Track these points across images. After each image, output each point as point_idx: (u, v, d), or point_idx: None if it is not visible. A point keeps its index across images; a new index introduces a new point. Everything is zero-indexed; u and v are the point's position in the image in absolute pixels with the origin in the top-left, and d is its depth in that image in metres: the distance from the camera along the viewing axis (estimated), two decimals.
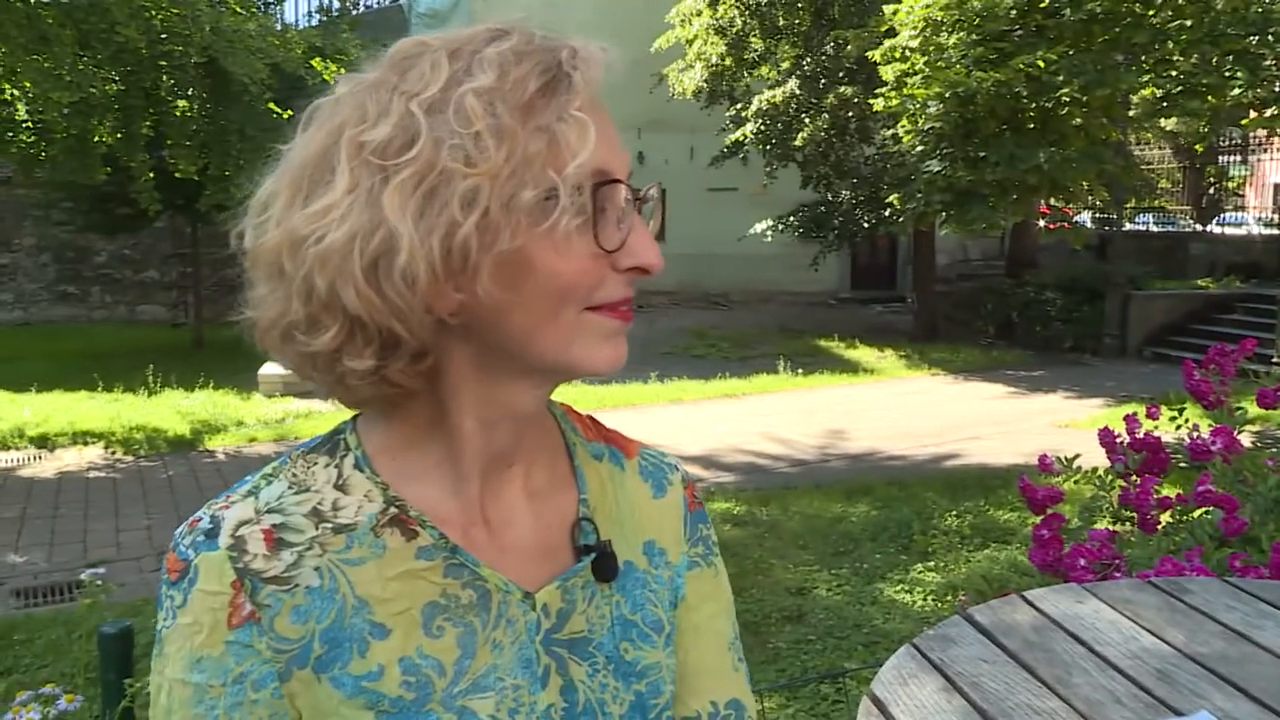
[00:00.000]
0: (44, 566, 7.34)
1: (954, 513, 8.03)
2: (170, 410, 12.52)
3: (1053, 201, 15.92)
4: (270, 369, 14.27)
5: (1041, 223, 16.78)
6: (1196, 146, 19.16)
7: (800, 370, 15.35)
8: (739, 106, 18.86)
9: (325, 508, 0.91)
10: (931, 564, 6.90)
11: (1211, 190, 25.31)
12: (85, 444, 11.12)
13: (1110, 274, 17.41)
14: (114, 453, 10.84)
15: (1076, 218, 21.27)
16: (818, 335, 19.11)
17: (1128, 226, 21.48)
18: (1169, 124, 17.93)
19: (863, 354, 17.34)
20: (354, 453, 0.93)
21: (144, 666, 1.93)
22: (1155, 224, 24.45)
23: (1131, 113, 14.94)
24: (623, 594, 1.00)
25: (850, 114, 17.28)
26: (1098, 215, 23.06)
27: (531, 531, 0.97)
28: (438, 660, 0.90)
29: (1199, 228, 22.80)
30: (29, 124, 14.23)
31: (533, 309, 0.86)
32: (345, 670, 0.88)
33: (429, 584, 0.91)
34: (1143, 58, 13.33)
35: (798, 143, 17.59)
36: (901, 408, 13.08)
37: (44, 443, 11.15)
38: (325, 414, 11.87)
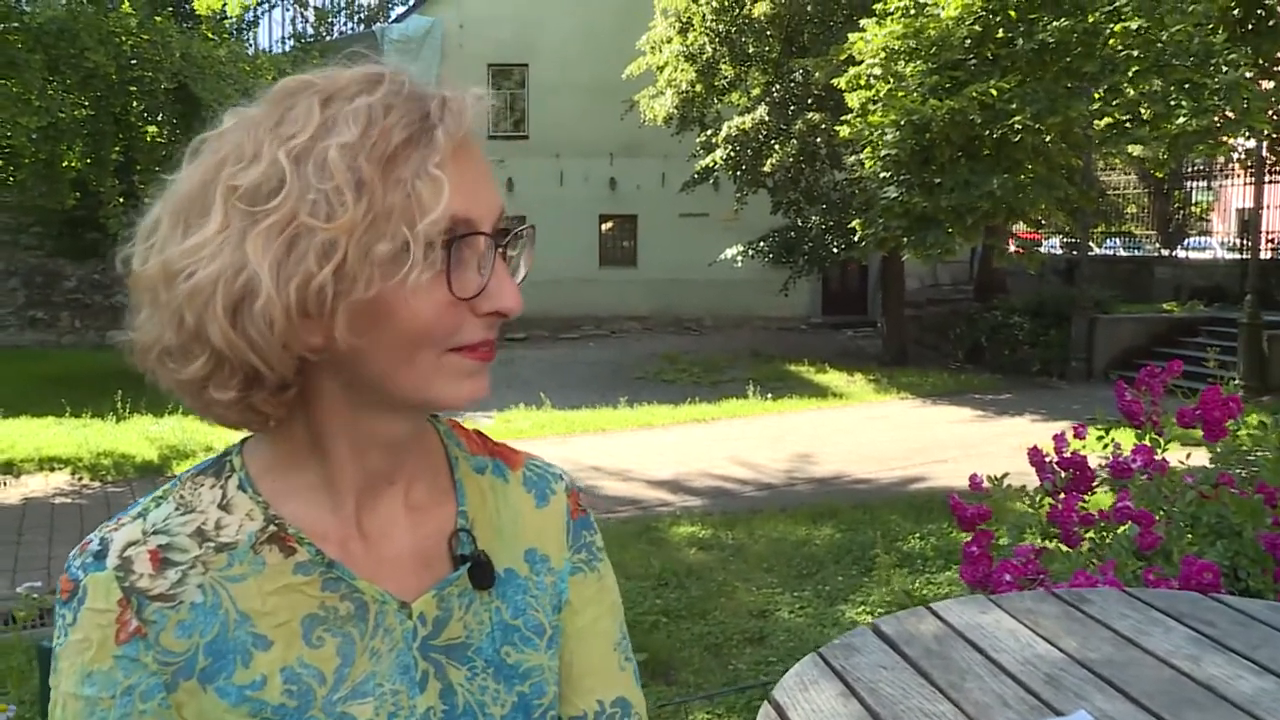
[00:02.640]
0: (5, 593, 7.31)
1: (917, 535, 8.10)
2: (139, 436, 12.47)
3: (1017, 226, 16.12)
4: None
5: (1010, 248, 16.93)
6: (1156, 173, 19.40)
7: (770, 395, 15.44)
8: (709, 133, 18.99)
9: (209, 527, 0.96)
10: (893, 586, 6.95)
11: (1177, 215, 25.60)
12: (52, 470, 11.06)
13: (1077, 298, 17.59)
14: (81, 478, 10.80)
15: (1044, 243, 21.52)
16: (788, 360, 19.22)
17: (1095, 251, 21.71)
18: (1134, 150, 18.19)
19: (832, 378, 17.44)
20: (238, 474, 0.99)
21: None
22: (1123, 249, 24.72)
23: (1095, 139, 15.16)
24: (503, 600, 1.05)
25: (819, 140, 17.43)
26: (1066, 240, 23.31)
27: (410, 543, 1.02)
28: (318, 669, 0.95)
29: (1165, 252, 23.05)
30: None
31: (390, 352, 0.90)
32: (230, 680, 0.93)
33: (307, 597, 0.96)
34: (1093, 87, 13.57)
35: (767, 169, 17.73)
36: (869, 432, 13.16)
37: (9, 468, 11.07)
38: None
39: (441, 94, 0.91)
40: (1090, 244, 19.73)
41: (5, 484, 10.60)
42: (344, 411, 0.95)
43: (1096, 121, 14.03)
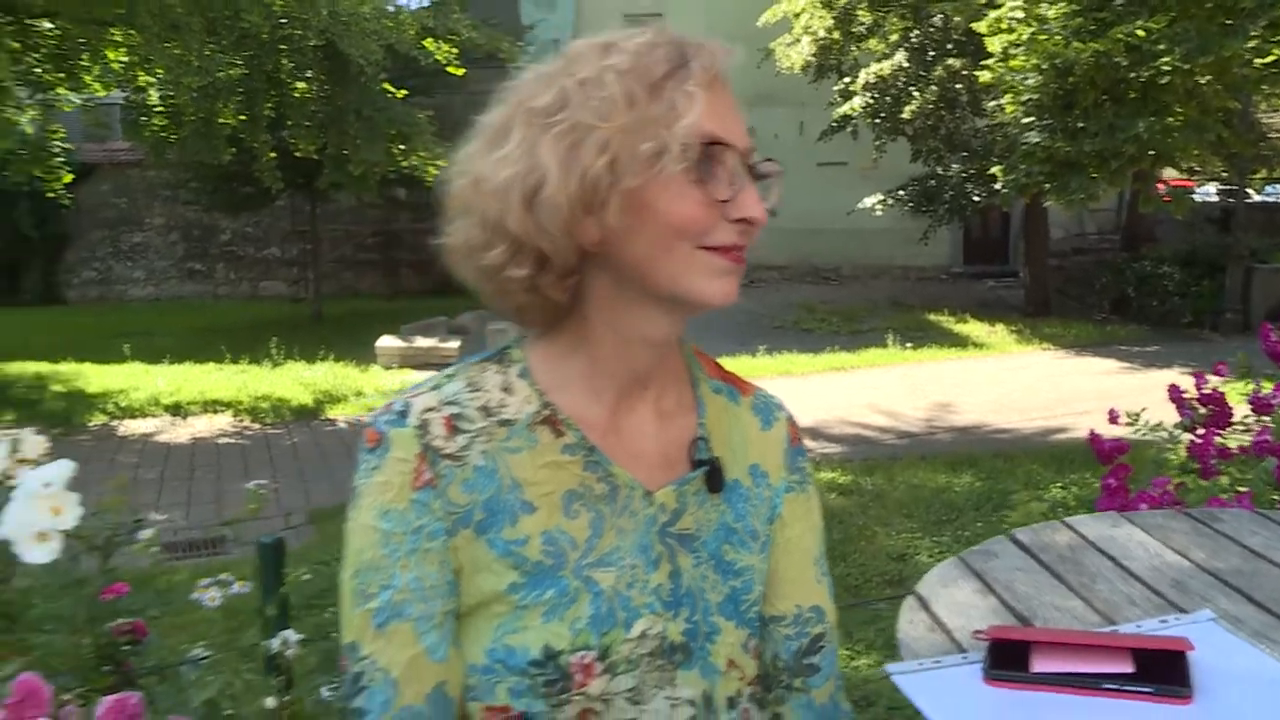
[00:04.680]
0: (183, 524, 7.81)
1: (1059, 484, 8.03)
2: (293, 381, 13.02)
3: (1167, 172, 15.56)
4: (387, 341, 14.74)
5: (1159, 193, 16.31)
6: None
7: (909, 344, 15.31)
8: (847, 80, 18.73)
9: (493, 404, 1.14)
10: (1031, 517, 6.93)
11: None
12: (215, 412, 11.66)
13: (1232, 247, 16.92)
14: (242, 420, 11.37)
15: (1199, 190, 20.67)
16: (928, 310, 18.99)
17: (1254, 198, 20.77)
18: None
19: (973, 328, 17.19)
20: (518, 364, 1.17)
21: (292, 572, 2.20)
22: None
23: (1253, 79, 14.45)
24: (728, 504, 1.21)
25: (960, 86, 17.07)
26: (1222, 187, 22.37)
27: (656, 444, 1.18)
28: (572, 536, 1.12)
29: None
30: (160, 109, 14.83)
31: (652, 241, 1.06)
32: (499, 535, 1.11)
33: (570, 474, 1.13)
34: (1250, 23, 12.92)
35: (906, 115, 17.44)
36: (1010, 382, 12.99)
37: (178, 411, 11.72)
38: None
39: (699, 41, 1.10)
40: (1249, 190, 18.89)
41: (175, 425, 11.22)
42: (613, 308, 1.12)
43: (1256, 60, 13.40)
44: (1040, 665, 1.19)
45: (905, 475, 8.51)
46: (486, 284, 1.13)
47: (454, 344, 14.36)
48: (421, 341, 14.71)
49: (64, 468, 1.64)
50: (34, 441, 1.81)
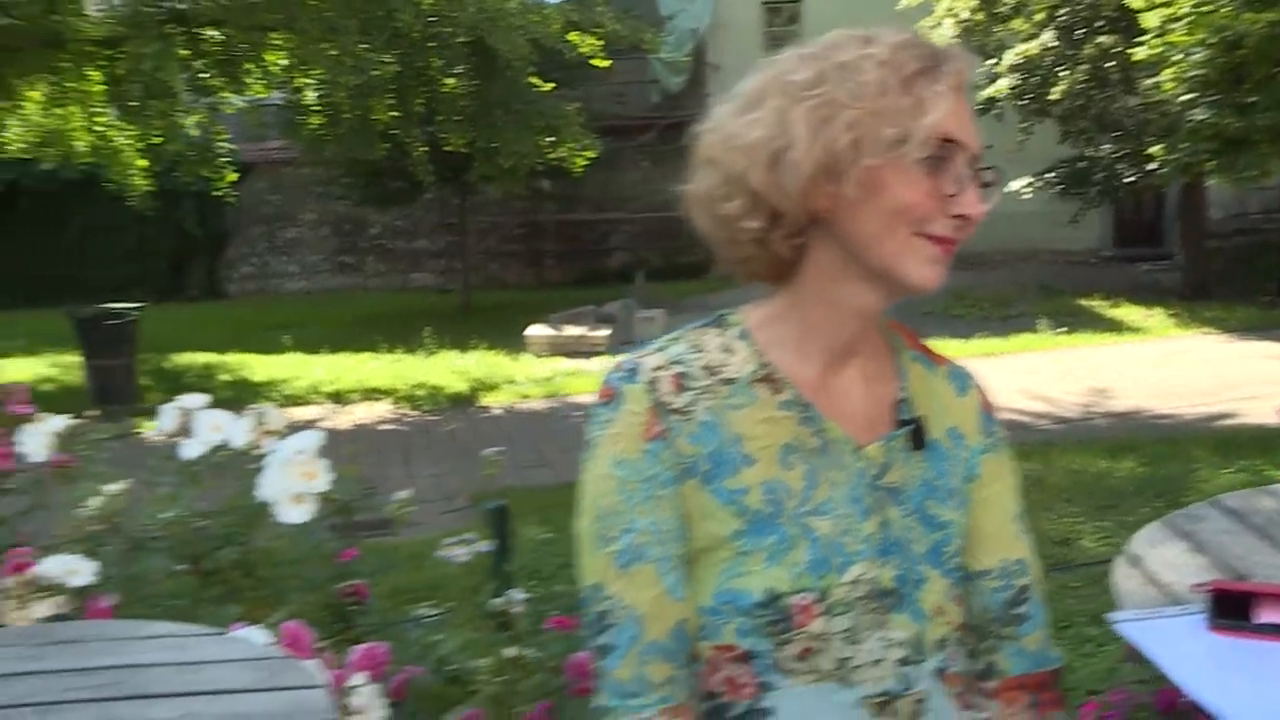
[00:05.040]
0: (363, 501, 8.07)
1: (1228, 470, 7.78)
2: (447, 369, 13.36)
3: None
4: (537, 330, 15.02)
5: None
6: None
7: (1061, 329, 14.99)
8: (991, 62, 18.35)
9: (715, 364, 1.25)
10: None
11: None
12: (374, 400, 12.05)
13: None
14: (400, 408, 11.72)
15: None
16: (1079, 294, 18.53)
17: None
18: None
19: (1127, 313, 16.73)
20: (736, 327, 1.28)
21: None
22: None
23: None
24: (929, 463, 1.29)
25: (1111, 64, 16.58)
26: None
27: (862, 405, 1.28)
28: (789, 486, 1.22)
29: None
30: (317, 108, 15.33)
31: (877, 218, 1.16)
32: (722, 484, 1.21)
33: (786, 429, 1.23)
34: None
35: (1055, 96, 17.03)
36: (1169, 367, 12.63)
37: (338, 398, 12.14)
38: (591, 373, 12.39)
39: (952, 50, 1.20)
40: None
41: (336, 412, 11.63)
42: (831, 277, 1.22)
43: None
44: (1264, 617, 1.23)
45: (1064, 460, 8.36)
46: (720, 232, 1.23)
47: (603, 332, 14.56)
48: (571, 330, 14.95)
49: (314, 437, 1.79)
50: (275, 415, 1.97)
